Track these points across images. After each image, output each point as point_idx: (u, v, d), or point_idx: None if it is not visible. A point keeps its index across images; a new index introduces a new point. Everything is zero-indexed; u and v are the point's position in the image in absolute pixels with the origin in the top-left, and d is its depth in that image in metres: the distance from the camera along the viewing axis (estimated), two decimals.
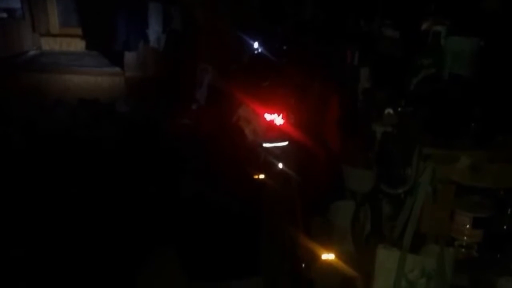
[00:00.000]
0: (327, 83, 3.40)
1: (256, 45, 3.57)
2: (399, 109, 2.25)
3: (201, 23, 4.81)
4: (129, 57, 5.07)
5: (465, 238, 2.27)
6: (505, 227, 2.26)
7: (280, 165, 2.47)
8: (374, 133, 2.53)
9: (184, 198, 3.78)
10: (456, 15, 2.60)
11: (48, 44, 5.39)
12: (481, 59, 2.37)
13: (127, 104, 4.83)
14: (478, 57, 2.39)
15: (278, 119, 2.51)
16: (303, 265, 2.19)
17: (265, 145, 2.46)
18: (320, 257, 2.46)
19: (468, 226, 2.24)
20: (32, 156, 3.68)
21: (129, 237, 3.64)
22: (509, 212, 2.25)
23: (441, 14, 2.65)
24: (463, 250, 2.26)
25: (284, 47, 3.62)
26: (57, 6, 5.35)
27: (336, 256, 2.50)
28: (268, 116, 2.52)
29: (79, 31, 5.32)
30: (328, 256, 2.47)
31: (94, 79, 5.02)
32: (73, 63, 5.11)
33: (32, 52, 5.30)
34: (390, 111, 2.34)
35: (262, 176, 2.65)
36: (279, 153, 2.46)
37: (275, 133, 2.50)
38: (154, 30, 4.95)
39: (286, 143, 2.45)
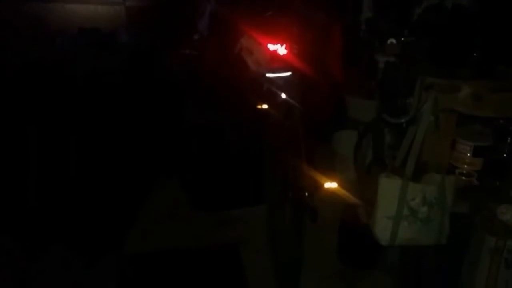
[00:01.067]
0: (329, 12, 3.37)
1: None
2: (402, 39, 2.24)
3: None
4: None
5: (465, 166, 2.34)
6: (504, 155, 2.32)
7: (283, 95, 2.48)
8: (376, 63, 2.54)
9: (187, 128, 3.83)
10: None
11: None
12: None
13: (128, 34, 4.77)
14: None
15: (281, 49, 2.50)
16: (306, 193, 2.25)
17: (268, 75, 2.46)
18: (322, 185, 2.53)
19: (468, 154, 2.31)
20: (32, 86, 3.67)
21: (133, 168, 3.72)
22: (508, 140, 2.31)
23: None
24: (463, 178, 2.33)
25: None
26: None
27: (339, 184, 2.56)
28: (271, 46, 2.50)
29: None
30: (330, 185, 2.53)
31: (94, 8, 4.92)
32: None
33: None
34: (393, 41, 2.33)
35: (265, 106, 2.67)
36: (282, 83, 2.46)
37: (278, 63, 2.49)
38: None
39: (289, 73, 2.45)
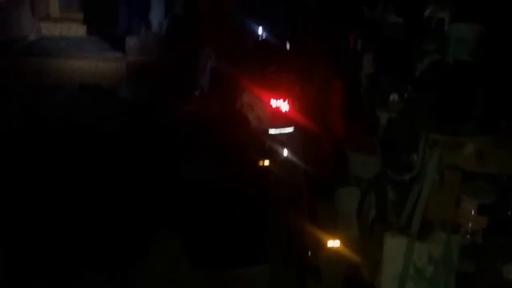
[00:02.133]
0: (331, 68, 3.40)
1: (260, 30, 3.55)
2: (406, 95, 2.25)
3: (204, 7, 4.79)
4: (131, 42, 5.05)
5: (470, 224, 2.28)
6: (509, 213, 2.28)
7: (286, 152, 2.47)
8: (378, 119, 2.54)
9: (188, 184, 3.79)
10: (458, 1, 2.60)
11: (48, 29, 5.35)
12: (484, 44, 2.37)
13: (128, 89, 4.82)
14: (481, 43, 2.39)
15: (283, 105, 2.50)
16: (309, 252, 2.20)
17: (271, 131, 2.45)
18: (325, 244, 2.48)
19: (473, 212, 2.26)
20: (32, 140, 3.67)
21: (131, 223, 3.65)
22: None
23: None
24: (468, 236, 2.28)
25: (288, 33, 3.62)
26: None
27: (342, 242, 2.51)
28: (273, 102, 2.51)
29: (79, 15, 5.26)
30: (333, 243, 2.48)
31: (95, 64, 5.00)
32: (73, 48, 5.08)
33: (31, 37, 5.27)
34: (396, 97, 2.34)
35: (267, 163, 2.65)
36: (284, 140, 2.46)
37: (281, 119, 2.49)
38: (156, 15, 4.92)
39: (291, 129, 2.44)
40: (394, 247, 1.99)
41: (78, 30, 5.33)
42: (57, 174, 3.41)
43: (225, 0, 4.57)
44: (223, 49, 4.37)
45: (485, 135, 2.08)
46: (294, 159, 2.45)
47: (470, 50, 2.44)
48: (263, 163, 2.68)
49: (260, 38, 3.52)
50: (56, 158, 3.51)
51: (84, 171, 3.48)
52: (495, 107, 2.10)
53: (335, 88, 3.65)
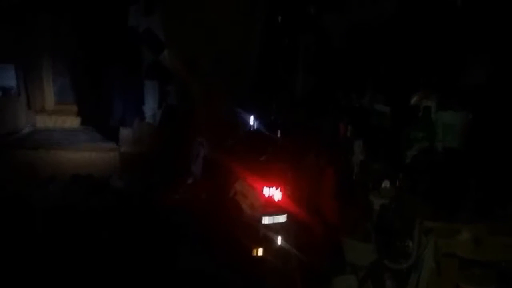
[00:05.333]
0: (322, 155, 3.43)
1: (251, 119, 3.62)
2: (397, 182, 2.26)
3: (198, 97, 4.90)
4: (124, 132, 5.11)
5: None
6: None
7: (279, 240, 2.44)
8: (371, 205, 2.53)
9: (181, 273, 3.70)
10: (444, 89, 2.68)
11: (43, 121, 5.43)
12: (472, 131, 2.42)
13: (121, 180, 4.82)
14: (469, 130, 2.44)
15: (276, 193, 2.50)
16: None
17: (264, 220, 2.43)
18: None
19: None
20: (25, 232, 3.62)
21: None
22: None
23: (430, 88, 2.73)
24: None
25: (280, 121, 3.68)
26: (53, 84, 5.43)
27: None
28: (266, 191, 2.51)
29: (74, 108, 5.37)
30: None
31: (88, 154, 5.03)
32: (67, 139, 5.14)
33: (26, 130, 5.33)
34: (387, 183, 2.35)
35: (261, 251, 2.61)
36: (278, 228, 2.44)
37: (274, 207, 2.48)
38: (150, 107, 5.02)
39: (285, 217, 2.43)
40: None
41: (72, 122, 5.42)
42: (47, 265, 3.34)
43: (218, 91, 4.68)
44: (216, 138, 4.42)
45: (480, 222, 2.08)
46: (288, 247, 2.42)
47: (458, 137, 2.49)
48: (257, 252, 2.64)
49: (252, 127, 3.58)
50: (49, 248, 3.45)
51: (75, 261, 3.41)
52: (489, 194, 2.11)
53: (327, 175, 3.66)
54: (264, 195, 2.53)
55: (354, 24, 3.47)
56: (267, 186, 2.53)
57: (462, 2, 3.12)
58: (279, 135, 3.40)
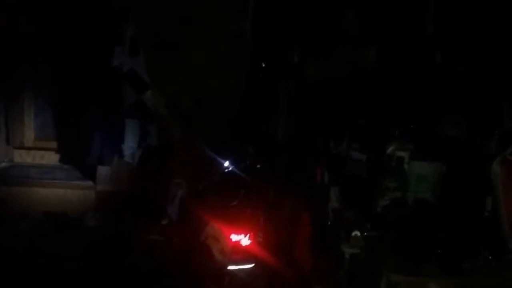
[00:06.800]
0: (298, 201, 3.41)
1: (227, 163, 3.61)
2: (365, 233, 2.24)
3: (177, 138, 4.89)
4: (102, 171, 5.04)
5: None
6: None
7: None
8: (343, 254, 2.51)
9: None
10: (420, 140, 2.70)
11: (21, 157, 5.34)
12: (445, 183, 2.43)
13: (96, 218, 4.74)
14: (442, 181, 2.45)
15: (244, 240, 2.46)
16: None
17: (230, 267, 2.38)
18: None
19: None
20: None
21: None
22: None
23: (406, 138, 2.75)
24: None
25: (258, 166, 3.67)
26: (34, 119, 5.39)
27: None
28: (234, 237, 2.47)
29: (54, 144, 5.30)
30: None
31: (64, 192, 4.95)
32: (44, 176, 5.06)
33: (2, 165, 5.25)
34: (357, 233, 2.33)
35: None
36: (243, 276, 2.38)
37: (241, 254, 2.43)
38: (129, 146, 4.97)
39: (252, 265, 2.38)
40: None
41: (51, 158, 5.33)
42: None
43: (197, 133, 4.69)
44: (193, 179, 4.39)
45: (448, 277, 2.05)
46: None
47: (430, 188, 2.49)
48: None
49: (226, 171, 3.56)
50: None
51: None
52: (456, 248, 2.09)
53: (303, 221, 3.64)
54: (231, 241, 2.49)
55: (335, 74, 3.52)
56: (234, 233, 2.49)
57: (441, 58, 3.20)
58: (253, 179, 3.38)
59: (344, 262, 2.50)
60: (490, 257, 2.04)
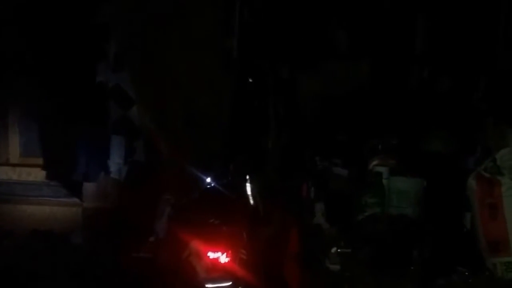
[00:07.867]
0: (286, 217, 3.38)
1: (208, 179, 3.58)
2: (338, 250, 2.23)
3: (165, 154, 4.87)
4: (88, 188, 5.02)
5: None
6: None
7: None
8: (328, 270, 2.49)
9: None
10: (402, 155, 2.70)
11: (6, 173, 5.33)
12: (425, 199, 2.42)
13: (82, 236, 4.72)
14: (422, 197, 2.44)
15: (222, 258, 2.43)
16: None
17: (207, 285, 2.35)
18: None
19: None
20: None
21: None
22: None
23: (388, 154, 2.74)
24: None
25: (242, 181, 3.64)
26: (19, 136, 5.37)
27: None
28: (211, 254, 2.44)
29: (40, 161, 5.28)
30: None
31: (50, 209, 4.92)
32: (30, 193, 5.04)
33: None
34: (335, 249, 2.32)
35: None
36: None
37: (218, 272, 2.40)
38: (115, 162, 4.96)
39: (229, 283, 2.35)
40: None
41: (37, 175, 5.31)
42: None
43: (185, 149, 4.67)
44: (181, 196, 4.37)
45: None
46: None
47: (412, 204, 2.48)
48: None
49: (208, 187, 3.54)
50: None
51: None
52: (431, 264, 2.08)
53: (292, 237, 3.61)
54: (208, 258, 2.46)
55: (323, 90, 3.53)
56: (212, 250, 2.46)
57: (428, 74, 3.21)
58: (237, 195, 3.36)
59: (327, 279, 2.49)
60: (466, 273, 2.02)
